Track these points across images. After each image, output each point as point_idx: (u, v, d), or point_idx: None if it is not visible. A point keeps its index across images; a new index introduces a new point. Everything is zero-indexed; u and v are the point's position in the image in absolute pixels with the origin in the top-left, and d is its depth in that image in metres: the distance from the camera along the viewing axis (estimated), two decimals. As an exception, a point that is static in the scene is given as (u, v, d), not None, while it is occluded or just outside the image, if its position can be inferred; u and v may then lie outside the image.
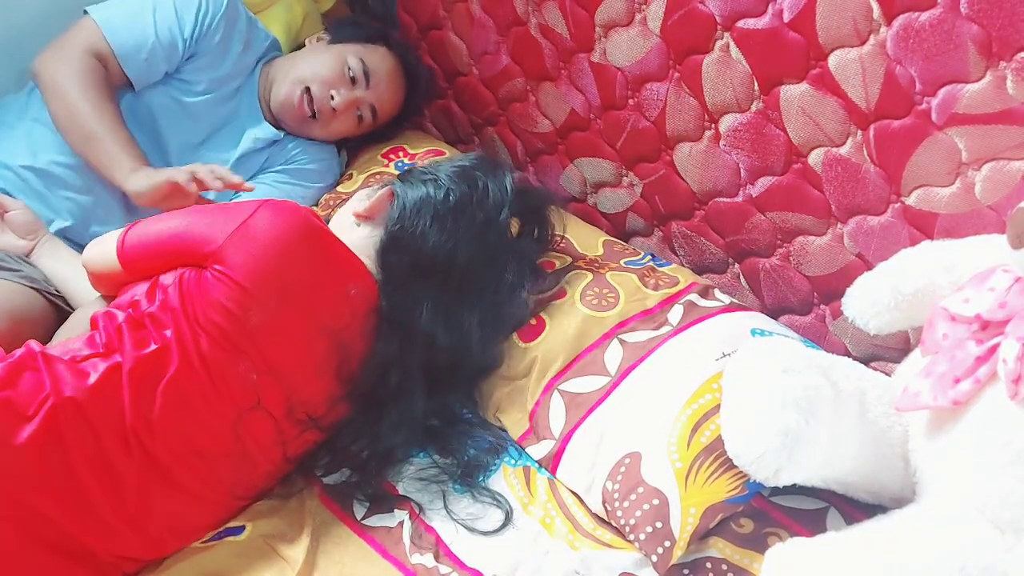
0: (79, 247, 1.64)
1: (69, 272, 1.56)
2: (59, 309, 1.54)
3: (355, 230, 1.45)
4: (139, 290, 1.35)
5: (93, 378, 1.21)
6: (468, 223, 1.42)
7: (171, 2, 1.70)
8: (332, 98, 1.77)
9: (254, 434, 1.29)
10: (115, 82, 1.67)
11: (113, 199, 1.67)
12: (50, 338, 1.51)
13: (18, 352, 1.25)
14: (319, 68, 1.78)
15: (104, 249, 1.40)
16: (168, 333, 1.26)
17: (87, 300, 1.52)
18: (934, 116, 1.32)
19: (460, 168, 1.50)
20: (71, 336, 1.42)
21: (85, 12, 1.68)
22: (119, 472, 1.21)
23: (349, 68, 1.78)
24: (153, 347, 1.25)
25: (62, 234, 1.65)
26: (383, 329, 1.37)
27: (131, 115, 1.69)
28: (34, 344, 1.27)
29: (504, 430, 1.47)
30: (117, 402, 1.21)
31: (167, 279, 1.32)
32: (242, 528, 1.31)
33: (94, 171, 1.61)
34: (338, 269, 1.36)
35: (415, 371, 1.39)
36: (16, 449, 1.15)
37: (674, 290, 1.55)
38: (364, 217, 1.46)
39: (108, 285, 1.43)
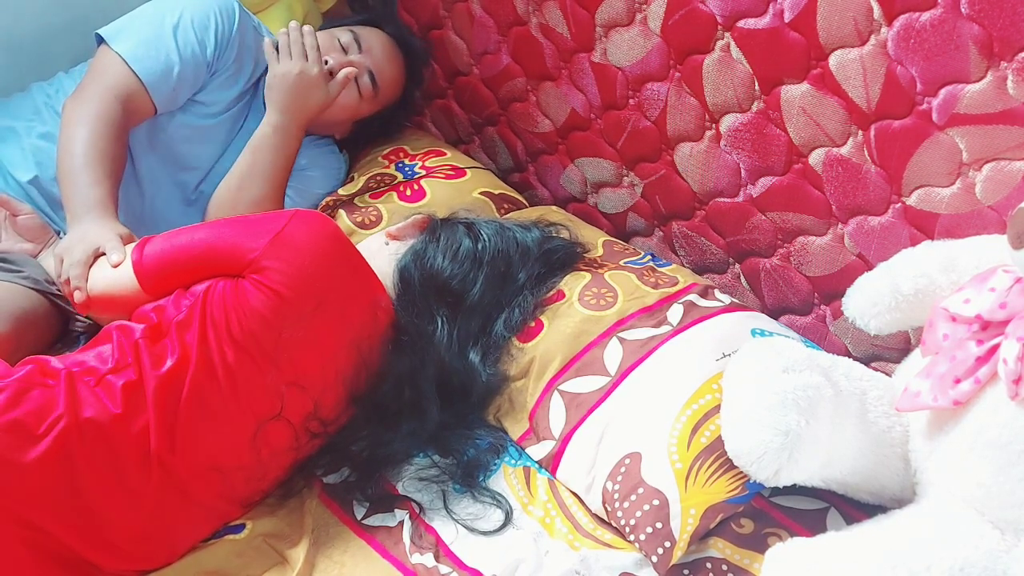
0: None
1: None
2: (61, 310, 1.54)
3: (383, 249, 1.49)
4: (164, 298, 1.33)
5: (116, 400, 1.19)
6: (488, 272, 1.47)
7: (189, 23, 1.64)
8: (327, 63, 1.73)
9: (271, 444, 1.29)
10: (140, 117, 1.62)
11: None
12: (52, 339, 1.51)
13: (27, 367, 1.22)
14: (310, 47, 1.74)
15: (114, 273, 1.37)
16: (192, 342, 1.25)
17: None
18: (935, 116, 1.32)
19: (498, 223, 1.56)
20: None
21: (101, 41, 1.62)
22: (135, 492, 1.20)
23: (339, 39, 1.77)
24: (171, 363, 1.23)
25: None
26: (398, 345, 1.38)
27: (148, 140, 1.67)
28: (55, 361, 1.25)
29: (504, 431, 1.47)
30: (141, 425, 1.20)
31: (197, 287, 1.31)
32: (242, 526, 1.31)
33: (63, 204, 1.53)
34: (366, 280, 1.38)
35: (428, 388, 1.40)
36: (22, 469, 1.13)
37: (674, 289, 1.55)
38: (394, 237, 1.51)
39: (119, 310, 1.38)
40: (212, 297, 1.29)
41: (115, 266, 1.37)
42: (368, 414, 1.38)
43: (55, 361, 1.25)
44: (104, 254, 1.40)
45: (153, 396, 1.21)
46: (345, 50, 1.77)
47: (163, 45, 1.61)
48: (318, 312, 1.30)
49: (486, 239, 1.50)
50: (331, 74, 1.72)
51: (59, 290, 1.55)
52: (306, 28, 1.71)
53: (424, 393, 1.39)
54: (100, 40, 1.64)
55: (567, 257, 1.59)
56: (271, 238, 1.31)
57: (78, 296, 1.40)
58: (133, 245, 1.38)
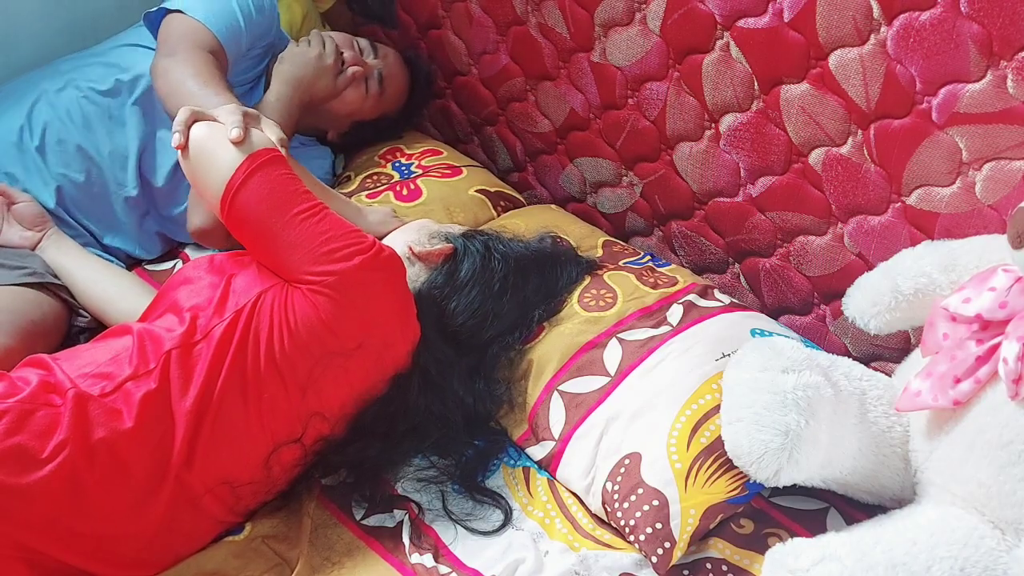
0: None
1: (74, 265, 1.55)
2: (65, 302, 1.53)
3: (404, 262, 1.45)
4: (202, 295, 1.31)
5: (131, 411, 1.18)
6: (508, 308, 1.46)
7: None
8: (342, 54, 1.80)
9: (282, 462, 1.30)
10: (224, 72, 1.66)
11: (112, 184, 1.67)
12: (58, 336, 1.50)
13: (31, 380, 1.19)
14: (328, 39, 1.82)
15: (214, 161, 1.28)
16: (229, 353, 1.24)
17: (90, 295, 1.53)
18: (935, 115, 1.32)
19: (520, 260, 1.50)
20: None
21: (157, 17, 1.66)
22: (144, 510, 1.19)
23: (357, 42, 1.84)
24: (202, 377, 1.22)
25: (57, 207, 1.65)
26: (412, 374, 1.37)
27: (164, 121, 1.67)
28: (62, 377, 1.21)
29: (503, 431, 1.46)
30: (158, 440, 1.19)
31: (243, 294, 1.29)
32: (241, 528, 1.31)
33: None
34: (413, 332, 1.37)
35: (438, 415, 1.40)
36: (25, 495, 1.11)
37: (673, 290, 1.55)
38: (419, 258, 1.46)
39: (195, 185, 1.34)
40: (260, 312, 1.27)
41: (234, 141, 1.27)
42: (374, 432, 1.37)
43: (59, 372, 1.22)
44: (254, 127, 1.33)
45: (185, 412, 1.20)
46: (361, 52, 1.84)
47: (229, 11, 1.68)
48: (358, 352, 1.30)
49: (509, 287, 1.46)
50: (342, 71, 1.79)
51: (62, 283, 1.54)
52: (327, 33, 1.82)
53: (433, 419, 1.39)
54: (154, 17, 1.68)
55: (579, 281, 1.57)
56: (341, 273, 1.27)
57: (177, 139, 1.29)
58: (249, 156, 1.27)
